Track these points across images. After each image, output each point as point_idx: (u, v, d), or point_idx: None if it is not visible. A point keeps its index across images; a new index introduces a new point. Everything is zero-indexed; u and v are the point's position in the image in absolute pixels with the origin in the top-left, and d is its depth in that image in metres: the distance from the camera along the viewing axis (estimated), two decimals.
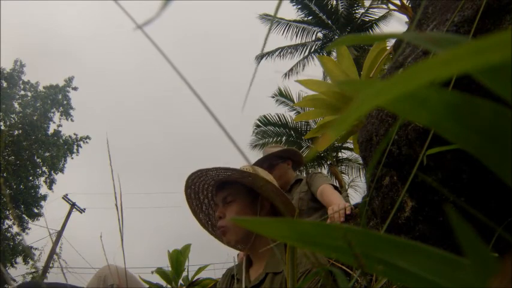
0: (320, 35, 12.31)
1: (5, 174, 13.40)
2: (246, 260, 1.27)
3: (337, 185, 2.42)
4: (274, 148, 2.58)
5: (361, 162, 9.69)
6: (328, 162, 11.04)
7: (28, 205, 14.51)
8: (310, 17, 11.95)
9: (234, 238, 1.22)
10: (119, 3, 0.26)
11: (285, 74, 12.24)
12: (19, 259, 14.11)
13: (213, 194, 1.34)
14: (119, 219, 0.56)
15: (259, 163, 2.42)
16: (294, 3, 11.64)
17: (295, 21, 12.08)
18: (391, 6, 1.99)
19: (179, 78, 0.25)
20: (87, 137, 16.04)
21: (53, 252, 13.68)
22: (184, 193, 1.32)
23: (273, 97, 11.47)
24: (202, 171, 1.24)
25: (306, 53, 12.27)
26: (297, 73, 12.26)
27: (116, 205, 0.56)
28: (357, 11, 11.83)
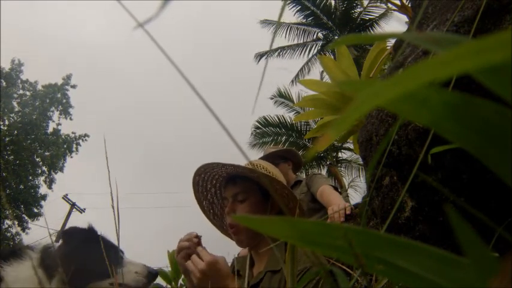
0: (320, 35, 12.30)
1: (4, 174, 13.37)
2: (250, 258, 1.26)
3: (337, 186, 2.43)
4: (275, 148, 2.59)
5: (361, 162, 9.67)
6: (328, 163, 11.02)
7: (28, 205, 14.49)
8: (309, 18, 11.96)
9: (246, 238, 1.21)
10: (121, 3, 0.26)
11: (292, 81, 12.06)
12: None
13: (221, 184, 1.32)
14: (115, 221, 0.56)
15: None
16: (293, 5, 11.64)
17: (295, 23, 12.09)
18: (391, 6, 1.99)
19: (181, 78, 0.25)
20: (86, 135, 15.99)
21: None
22: (192, 179, 1.29)
23: (272, 98, 11.39)
24: (219, 165, 1.22)
25: (306, 53, 12.27)
26: (297, 77, 12.22)
27: (112, 206, 0.56)
28: (355, 10, 11.83)
